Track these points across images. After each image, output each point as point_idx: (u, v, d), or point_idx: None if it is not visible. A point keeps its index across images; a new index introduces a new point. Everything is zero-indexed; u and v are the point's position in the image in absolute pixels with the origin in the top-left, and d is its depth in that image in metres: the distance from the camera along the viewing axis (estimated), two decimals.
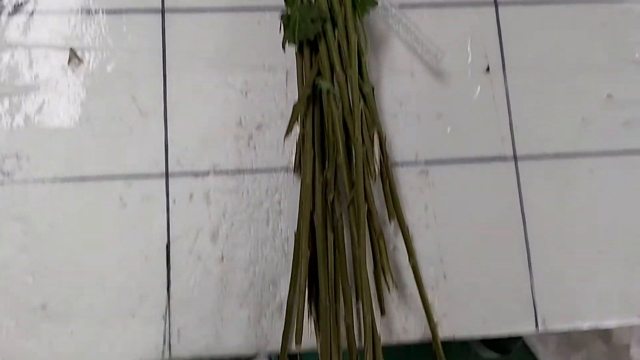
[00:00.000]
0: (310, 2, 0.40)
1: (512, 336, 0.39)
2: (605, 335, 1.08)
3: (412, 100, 0.44)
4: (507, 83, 0.44)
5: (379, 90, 0.43)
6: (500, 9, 0.46)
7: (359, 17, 0.41)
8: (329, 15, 0.40)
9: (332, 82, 0.39)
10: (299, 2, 0.41)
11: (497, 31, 0.46)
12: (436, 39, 0.43)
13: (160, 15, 0.43)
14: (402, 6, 0.45)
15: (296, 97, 0.42)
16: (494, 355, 1.12)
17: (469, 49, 0.45)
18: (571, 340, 1.12)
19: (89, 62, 0.42)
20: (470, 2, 0.46)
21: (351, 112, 0.38)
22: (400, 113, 0.43)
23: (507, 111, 0.44)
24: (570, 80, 0.45)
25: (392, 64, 0.44)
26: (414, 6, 0.46)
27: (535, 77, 0.45)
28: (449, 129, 0.43)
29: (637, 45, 0.47)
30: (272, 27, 0.44)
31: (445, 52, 0.43)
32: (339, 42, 0.39)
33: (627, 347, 1.06)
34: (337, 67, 0.38)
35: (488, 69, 0.45)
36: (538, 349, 1.14)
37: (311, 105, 0.39)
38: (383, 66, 0.44)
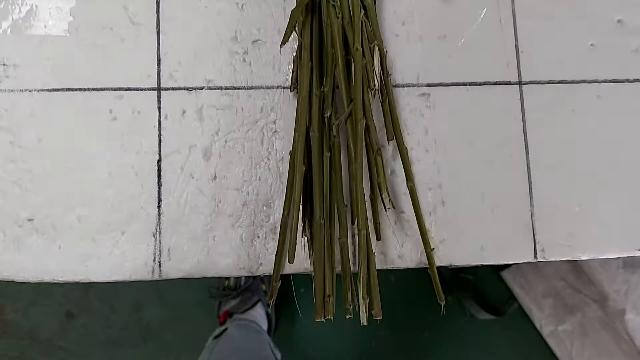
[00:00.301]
0: None
1: (507, 262, 0.38)
2: (600, 299, 1.08)
3: (416, 20, 0.42)
4: (514, 5, 0.43)
5: (380, 9, 0.42)
6: None
7: None
8: None
9: None
10: None
11: None
12: None
13: None
14: None
15: None
16: (489, 317, 1.12)
17: None
18: (566, 303, 1.12)
19: None
20: None
21: (351, 22, 0.37)
22: (403, 33, 0.42)
23: (513, 35, 0.42)
24: (579, 4, 0.43)
25: None
26: None
27: (544, 0, 0.43)
28: (452, 51, 0.42)
29: None
30: None
31: None
32: None
33: (622, 311, 1.06)
34: None
35: None
36: (533, 312, 1.14)
37: (310, 15, 0.38)
38: None
